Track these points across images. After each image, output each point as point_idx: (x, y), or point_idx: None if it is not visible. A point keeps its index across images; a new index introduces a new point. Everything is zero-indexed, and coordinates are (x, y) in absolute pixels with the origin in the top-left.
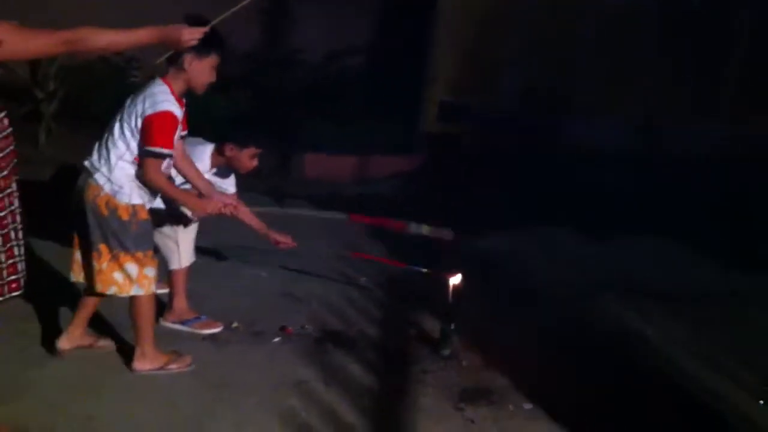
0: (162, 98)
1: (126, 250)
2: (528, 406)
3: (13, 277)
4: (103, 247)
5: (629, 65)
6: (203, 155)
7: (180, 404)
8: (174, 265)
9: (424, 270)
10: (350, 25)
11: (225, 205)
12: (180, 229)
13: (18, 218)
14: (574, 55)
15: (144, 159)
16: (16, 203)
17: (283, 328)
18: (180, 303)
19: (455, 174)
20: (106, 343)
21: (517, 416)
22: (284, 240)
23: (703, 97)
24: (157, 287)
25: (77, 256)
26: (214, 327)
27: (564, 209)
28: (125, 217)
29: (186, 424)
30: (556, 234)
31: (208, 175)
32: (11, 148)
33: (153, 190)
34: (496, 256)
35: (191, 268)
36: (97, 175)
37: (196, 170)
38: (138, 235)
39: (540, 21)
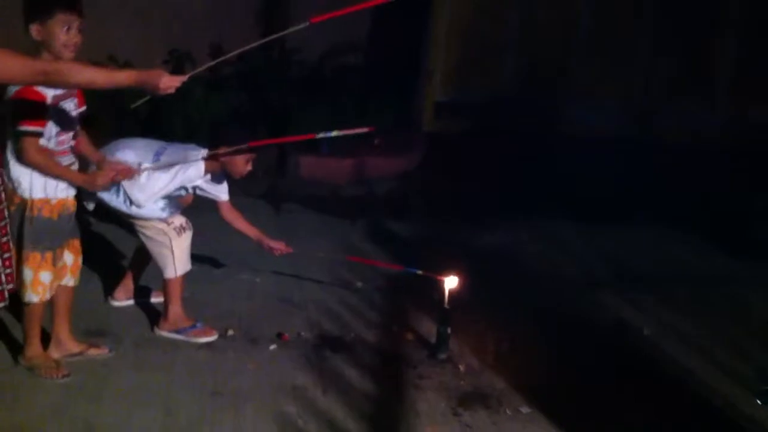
0: None
1: (22, 248)
2: (526, 410)
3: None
4: (11, 244)
5: (627, 51)
6: (198, 162)
7: (178, 411)
8: (169, 274)
9: (419, 272)
10: (346, 23)
11: (117, 173)
12: (174, 236)
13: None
14: (573, 41)
15: (18, 140)
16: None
17: (279, 335)
18: (175, 311)
19: (453, 171)
20: (99, 350)
21: (515, 420)
22: (279, 246)
23: (700, 81)
24: (153, 296)
25: None
26: (210, 335)
27: (563, 200)
28: (27, 212)
29: (185, 430)
30: (554, 227)
31: (201, 182)
32: None
33: (43, 173)
34: (494, 253)
35: (186, 276)
36: (4, 173)
37: (89, 145)
38: (35, 233)
39: (538, 5)
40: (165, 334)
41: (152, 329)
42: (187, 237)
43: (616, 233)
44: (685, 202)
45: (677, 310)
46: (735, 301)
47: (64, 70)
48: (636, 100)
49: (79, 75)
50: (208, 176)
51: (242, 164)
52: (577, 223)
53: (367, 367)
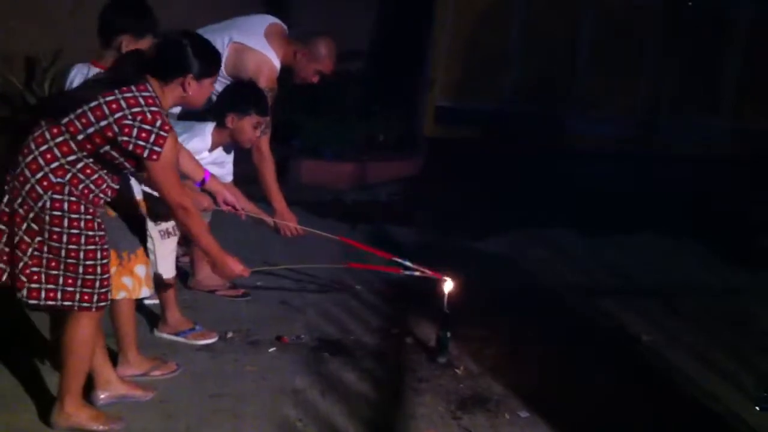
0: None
1: (134, 251)
2: (525, 414)
3: None
4: (112, 252)
5: (630, 60)
6: (204, 133)
7: (177, 414)
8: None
9: (417, 273)
10: (348, 29)
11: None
12: (158, 239)
13: None
14: (574, 52)
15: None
16: None
17: (278, 338)
18: (173, 315)
19: (454, 177)
20: None
21: (514, 424)
22: (291, 225)
23: (703, 92)
24: (151, 298)
25: None
26: (209, 337)
27: (564, 208)
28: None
29: None
30: (555, 235)
31: (209, 157)
32: None
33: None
34: (495, 258)
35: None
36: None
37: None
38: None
39: (540, 16)
40: (164, 336)
41: (152, 331)
42: (171, 242)
43: (619, 242)
44: (688, 211)
45: (678, 318)
46: (737, 310)
47: (193, 221)
48: (640, 110)
49: (194, 229)
50: (213, 156)
51: (250, 130)
52: (579, 232)
53: (367, 371)
